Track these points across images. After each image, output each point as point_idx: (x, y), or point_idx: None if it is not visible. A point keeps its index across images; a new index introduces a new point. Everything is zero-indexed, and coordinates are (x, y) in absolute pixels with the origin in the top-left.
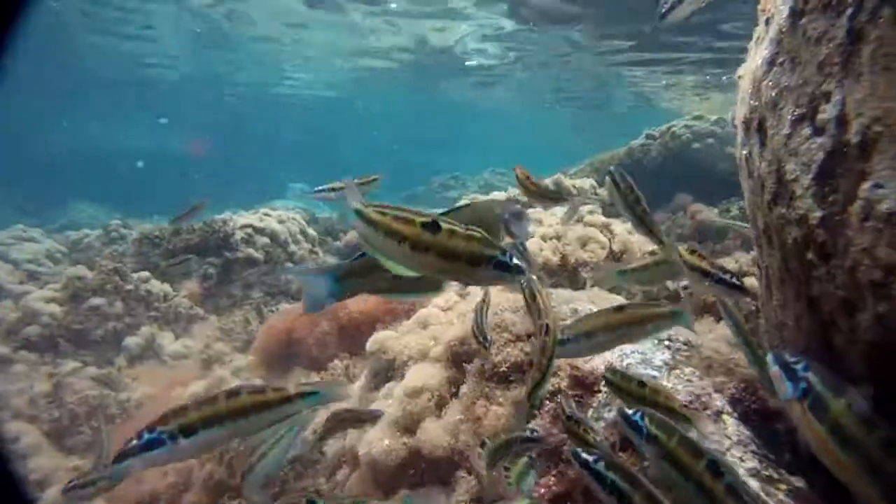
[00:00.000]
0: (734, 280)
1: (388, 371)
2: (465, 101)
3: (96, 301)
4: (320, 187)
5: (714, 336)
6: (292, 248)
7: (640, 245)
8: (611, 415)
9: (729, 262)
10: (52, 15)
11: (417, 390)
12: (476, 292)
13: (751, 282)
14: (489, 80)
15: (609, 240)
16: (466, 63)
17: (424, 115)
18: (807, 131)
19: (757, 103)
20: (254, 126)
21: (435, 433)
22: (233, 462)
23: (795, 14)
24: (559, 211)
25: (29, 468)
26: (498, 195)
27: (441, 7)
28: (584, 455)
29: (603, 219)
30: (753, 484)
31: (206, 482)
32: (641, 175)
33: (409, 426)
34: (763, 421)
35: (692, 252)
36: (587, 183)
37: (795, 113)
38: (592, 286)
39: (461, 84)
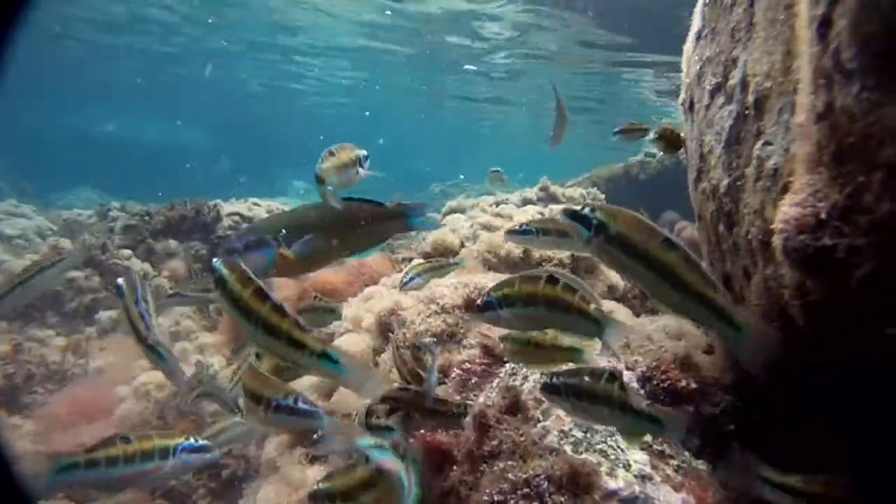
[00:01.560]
0: None
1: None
2: (470, 109)
3: (73, 273)
4: None
5: (655, 326)
6: None
7: None
8: (515, 382)
9: None
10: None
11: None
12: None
13: None
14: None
15: None
16: (465, 66)
17: (430, 124)
18: (720, 100)
19: (688, 80)
20: (261, 124)
21: (349, 396)
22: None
23: None
24: (532, 209)
25: None
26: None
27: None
28: None
29: None
30: (640, 456)
31: (136, 423)
32: (635, 191)
33: (329, 391)
34: (673, 401)
35: None
36: (577, 192)
37: (713, 83)
38: None
39: (468, 86)
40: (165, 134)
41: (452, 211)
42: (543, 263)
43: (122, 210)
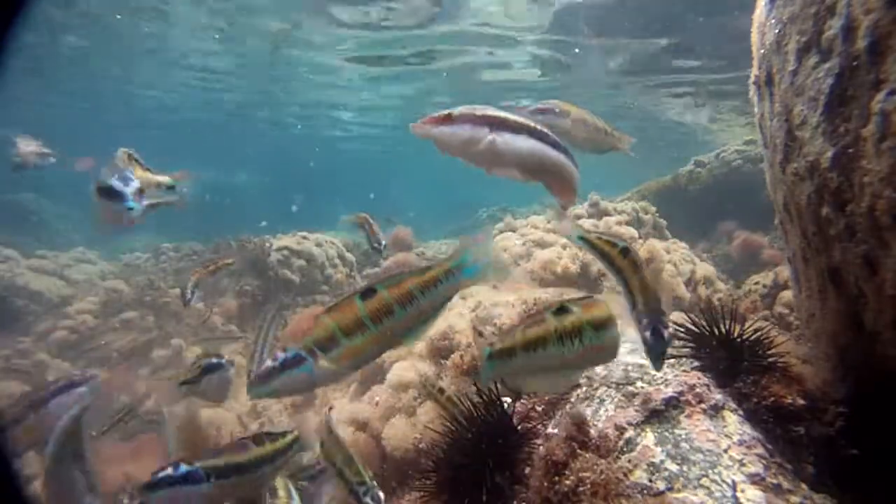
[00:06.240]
0: None
1: (376, 376)
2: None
3: (129, 314)
4: None
5: None
6: (329, 271)
7: (672, 258)
8: (589, 410)
9: (768, 276)
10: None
11: (404, 385)
12: (473, 293)
13: (788, 295)
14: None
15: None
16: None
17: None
18: (813, 60)
19: (763, 51)
20: (308, 162)
21: (402, 430)
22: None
23: None
24: (587, 223)
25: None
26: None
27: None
28: None
29: (633, 231)
30: (755, 492)
31: None
32: (685, 202)
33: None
34: (779, 422)
35: None
36: (629, 206)
37: (801, 42)
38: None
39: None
40: (223, 175)
41: (500, 232)
42: (601, 279)
43: (176, 252)
